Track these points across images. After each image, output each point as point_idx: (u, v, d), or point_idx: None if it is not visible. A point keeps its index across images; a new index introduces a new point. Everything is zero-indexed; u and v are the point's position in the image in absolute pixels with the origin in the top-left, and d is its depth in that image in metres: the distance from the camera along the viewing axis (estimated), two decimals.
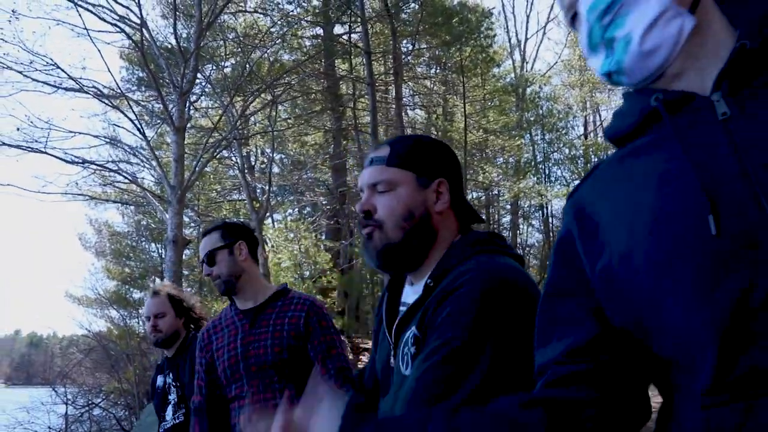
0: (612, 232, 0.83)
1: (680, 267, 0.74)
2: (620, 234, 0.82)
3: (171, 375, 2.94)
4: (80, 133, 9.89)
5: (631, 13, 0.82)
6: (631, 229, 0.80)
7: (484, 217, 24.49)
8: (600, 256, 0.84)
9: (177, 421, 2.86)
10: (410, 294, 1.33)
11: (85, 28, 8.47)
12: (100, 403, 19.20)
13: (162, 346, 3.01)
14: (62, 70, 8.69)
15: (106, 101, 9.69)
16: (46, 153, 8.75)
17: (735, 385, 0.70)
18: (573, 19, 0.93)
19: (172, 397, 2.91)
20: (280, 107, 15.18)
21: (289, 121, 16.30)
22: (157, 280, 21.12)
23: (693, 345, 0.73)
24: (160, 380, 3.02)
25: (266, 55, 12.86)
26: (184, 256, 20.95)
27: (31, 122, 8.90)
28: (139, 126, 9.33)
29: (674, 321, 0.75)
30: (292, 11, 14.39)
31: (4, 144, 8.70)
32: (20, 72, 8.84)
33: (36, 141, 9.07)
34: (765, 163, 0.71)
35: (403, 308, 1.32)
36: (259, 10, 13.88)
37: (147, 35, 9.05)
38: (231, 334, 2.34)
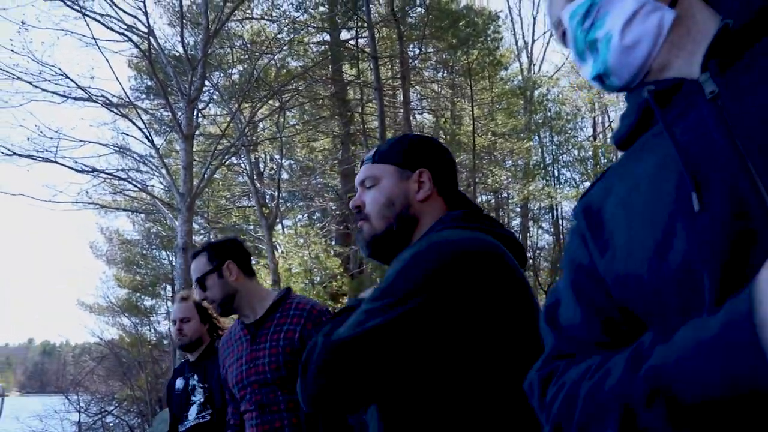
0: (614, 229, 0.83)
1: (672, 250, 0.73)
2: (621, 229, 0.82)
3: (196, 377, 3.02)
4: (90, 142, 9.95)
5: (609, 13, 0.85)
6: (629, 223, 0.80)
7: (494, 215, 24.45)
8: (605, 252, 0.84)
9: (202, 420, 2.93)
10: None
11: (93, 38, 8.52)
12: (112, 410, 19.29)
13: (185, 350, 3.11)
14: (71, 80, 8.76)
15: (115, 110, 9.74)
16: (56, 162, 8.81)
17: None
18: (563, 36, 0.95)
19: (198, 397, 2.97)
20: (288, 113, 15.22)
21: (297, 126, 16.33)
22: (167, 285, 21.23)
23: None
24: (179, 383, 3.09)
25: (273, 61, 12.89)
26: None
27: (41, 132, 8.96)
28: (147, 134, 9.37)
29: (669, 311, 0.74)
30: (299, 17, 14.42)
31: (15, 154, 8.77)
32: (30, 82, 8.91)
33: (46, 150, 9.14)
34: (753, 134, 0.70)
35: None
36: (266, 17, 13.92)
37: (154, 44, 9.10)
38: (238, 350, 2.33)
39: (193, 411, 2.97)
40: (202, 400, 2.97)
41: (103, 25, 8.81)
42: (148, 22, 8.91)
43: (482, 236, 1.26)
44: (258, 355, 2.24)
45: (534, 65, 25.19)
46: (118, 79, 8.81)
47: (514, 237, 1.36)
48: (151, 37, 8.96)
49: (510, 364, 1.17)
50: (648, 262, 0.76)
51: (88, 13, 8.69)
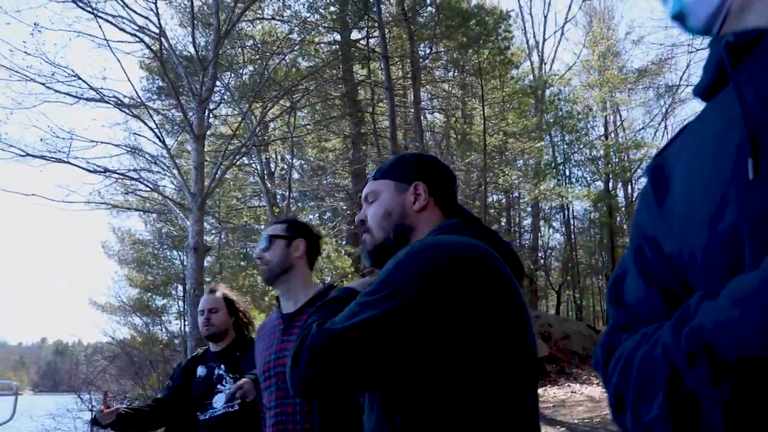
0: (677, 193, 0.79)
1: (722, 221, 0.69)
2: (681, 194, 0.78)
3: (223, 366, 3.10)
4: (102, 142, 9.99)
5: None
6: (690, 189, 0.76)
7: (504, 222, 24.42)
8: (665, 219, 0.80)
9: (231, 409, 3.00)
10: None
11: (105, 39, 8.56)
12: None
13: (212, 340, 3.18)
14: (83, 81, 8.79)
15: (127, 111, 9.78)
16: (68, 163, 8.85)
17: None
18: None
19: (227, 387, 3.03)
20: (298, 113, 15.24)
21: (308, 126, 16.35)
22: (179, 285, 21.32)
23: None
24: (202, 370, 3.15)
25: (284, 61, 12.91)
26: (205, 263, 21.12)
27: (54, 133, 9.01)
28: (159, 135, 9.40)
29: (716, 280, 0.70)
30: (310, 18, 14.44)
31: (28, 155, 8.82)
32: (43, 84, 8.95)
33: (59, 151, 9.18)
34: None
35: None
36: (277, 18, 13.94)
37: (166, 44, 9.12)
38: (270, 338, 2.32)
39: (220, 399, 3.02)
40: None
41: (115, 26, 8.85)
42: (159, 23, 8.94)
43: (476, 242, 1.29)
44: (286, 347, 2.20)
45: (545, 64, 25.10)
46: (129, 80, 8.84)
47: (511, 247, 1.41)
48: (162, 38, 8.98)
49: (495, 367, 1.21)
50: (700, 235, 0.72)
51: (100, 14, 8.73)
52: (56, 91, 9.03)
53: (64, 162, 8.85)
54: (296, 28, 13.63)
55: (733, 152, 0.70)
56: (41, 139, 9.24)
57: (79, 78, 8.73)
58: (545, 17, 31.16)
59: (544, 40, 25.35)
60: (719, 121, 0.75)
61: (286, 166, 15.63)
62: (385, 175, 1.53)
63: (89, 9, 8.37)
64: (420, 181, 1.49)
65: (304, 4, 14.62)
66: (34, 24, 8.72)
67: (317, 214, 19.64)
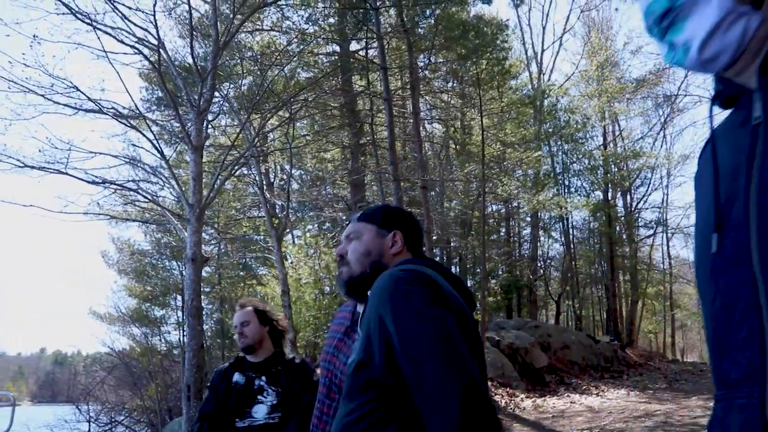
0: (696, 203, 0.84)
1: (699, 272, 0.76)
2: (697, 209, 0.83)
3: (264, 378, 3.21)
4: (100, 153, 9.99)
5: (690, 17, 0.77)
6: (698, 208, 0.81)
7: (504, 232, 24.39)
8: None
9: (272, 421, 3.11)
10: None
11: (104, 51, 8.58)
12: (122, 420, 19.29)
13: (248, 352, 3.28)
14: (82, 93, 8.80)
15: (125, 122, 9.79)
16: (67, 174, 8.86)
17: (720, 386, 0.76)
18: None
19: (269, 399, 3.14)
20: (297, 124, 15.26)
21: (307, 137, 16.38)
22: (177, 296, 21.29)
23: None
24: (239, 377, 3.24)
25: (283, 72, 12.95)
26: (204, 273, 21.08)
27: (52, 144, 9.01)
28: (157, 146, 9.41)
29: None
30: (308, 29, 14.50)
31: (26, 166, 8.82)
32: (42, 95, 8.97)
33: (58, 162, 9.19)
34: None
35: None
36: (276, 29, 13.99)
37: (165, 56, 9.16)
38: (336, 330, 2.23)
39: (261, 410, 3.12)
40: (274, 402, 3.14)
41: (114, 38, 8.87)
42: (158, 35, 8.97)
43: (429, 270, 1.54)
44: (342, 347, 2.12)
45: (543, 74, 25.18)
46: (128, 91, 8.88)
47: (464, 282, 1.66)
48: (161, 50, 9.02)
49: None
50: (698, 265, 0.78)
51: (99, 26, 8.75)
52: (55, 102, 9.05)
53: (63, 173, 8.86)
54: (295, 40, 13.68)
55: (708, 218, 0.75)
56: (40, 150, 9.26)
57: (78, 89, 8.75)
58: (543, 28, 31.22)
59: (543, 50, 25.47)
60: (723, 153, 0.76)
61: (285, 177, 15.64)
62: (369, 220, 1.80)
63: (88, 21, 8.40)
64: (398, 230, 1.77)
65: (302, 16, 14.68)
66: (33, 36, 8.75)
67: (316, 225, 19.66)
